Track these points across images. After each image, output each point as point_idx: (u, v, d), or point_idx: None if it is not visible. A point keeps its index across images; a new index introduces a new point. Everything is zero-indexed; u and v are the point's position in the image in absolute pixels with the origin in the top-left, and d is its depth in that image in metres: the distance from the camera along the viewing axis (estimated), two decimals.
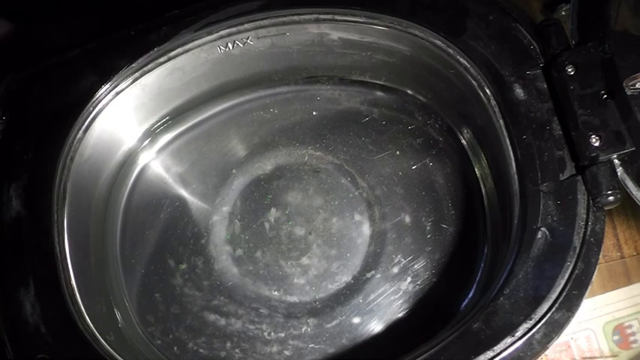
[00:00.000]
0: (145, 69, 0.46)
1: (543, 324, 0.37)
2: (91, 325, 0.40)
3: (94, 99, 0.44)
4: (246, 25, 0.46)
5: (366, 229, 0.50)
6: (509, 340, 0.37)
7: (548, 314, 0.37)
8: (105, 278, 0.48)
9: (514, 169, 0.42)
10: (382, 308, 0.48)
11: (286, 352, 0.47)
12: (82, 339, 0.39)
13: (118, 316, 0.47)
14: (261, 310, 0.48)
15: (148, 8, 0.46)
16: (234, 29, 0.46)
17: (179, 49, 0.46)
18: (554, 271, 0.38)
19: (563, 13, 0.46)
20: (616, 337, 0.52)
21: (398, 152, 0.52)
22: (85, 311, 0.40)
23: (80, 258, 0.44)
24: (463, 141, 0.52)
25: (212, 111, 0.53)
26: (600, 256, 0.38)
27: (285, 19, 0.46)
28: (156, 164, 0.53)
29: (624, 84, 0.38)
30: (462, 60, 0.44)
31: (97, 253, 0.47)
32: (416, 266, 0.49)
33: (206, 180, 0.52)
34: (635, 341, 0.52)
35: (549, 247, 0.39)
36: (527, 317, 0.37)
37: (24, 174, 0.43)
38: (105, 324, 0.43)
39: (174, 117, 0.53)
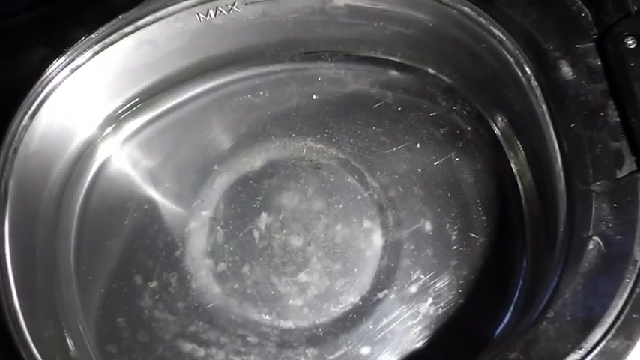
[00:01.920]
0: (108, 41, 0.45)
1: (596, 354, 0.37)
2: (38, 355, 0.39)
3: (44, 77, 0.44)
4: None
5: (377, 239, 0.50)
6: None
7: (603, 342, 0.37)
8: (56, 298, 0.47)
9: (559, 164, 0.42)
10: (397, 336, 0.47)
11: None
12: None
13: (71, 344, 0.46)
14: (248, 338, 0.48)
15: None
16: None
17: (149, 17, 0.46)
18: (610, 289, 0.38)
19: None
20: None
21: (417, 145, 0.52)
22: (31, 338, 0.40)
23: (25, 274, 0.43)
24: (496, 131, 0.52)
25: (190, 93, 0.53)
26: None
27: None
28: (120, 158, 0.52)
29: None
30: (495, 32, 0.44)
31: (45, 268, 0.47)
32: (438, 284, 0.48)
33: (182, 178, 0.52)
34: None
35: (603, 259, 0.39)
36: (577, 346, 0.37)
37: None
38: (54, 353, 0.43)
39: (144, 100, 0.52)
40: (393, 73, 0.54)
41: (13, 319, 0.40)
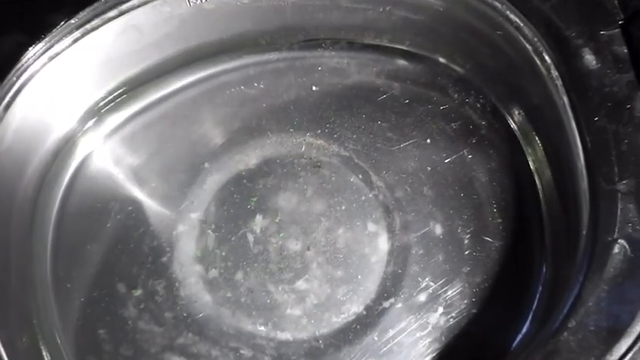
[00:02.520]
0: (89, 26, 0.46)
1: None
2: None
3: (19, 65, 0.44)
4: None
5: (382, 244, 0.50)
6: None
7: (629, 355, 0.37)
8: (31, 307, 0.47)
9: (582, 161, 0.42)
10: (404, 349, 0.47)
11: None
12: None
13: (47, 357, 0.46)
14: (242, 352, 0.48)
15: None
16: None
17: (134, 1, 0.46)
18: (637, 297, 0.38)
19: None
20: None
21: (427, 141, 0.52)
22: (4, 350, 0.40)
23: None
24: (513, 125, 0.52)
25: (178, 84, 0.54)
26: None
27: None
28: (102, 154, 0.52)
29: None
30: (512, 17, 0.44)
31: (20, 274, 0.46)
32: (450, 293, 0.48)
33: (169, 177, 0.52)
34: None
35: (630, 264, 0.39)
36: (601, 358, 0.37)
37: None
38: None
39: (128, 91, 0.53)
40: (401, 62, 0.54)
41: None
